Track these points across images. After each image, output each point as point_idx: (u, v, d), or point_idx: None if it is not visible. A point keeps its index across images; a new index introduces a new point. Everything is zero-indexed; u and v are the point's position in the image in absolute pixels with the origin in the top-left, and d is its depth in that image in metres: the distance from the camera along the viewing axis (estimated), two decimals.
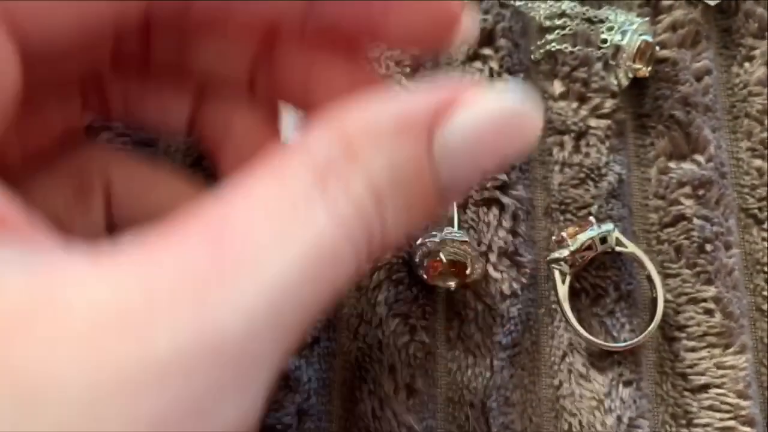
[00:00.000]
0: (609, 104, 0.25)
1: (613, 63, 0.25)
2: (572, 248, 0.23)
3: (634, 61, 0.25)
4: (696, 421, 0.22)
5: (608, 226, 0.23)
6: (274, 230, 0.13)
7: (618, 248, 0.23)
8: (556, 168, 0.25)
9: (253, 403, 0.12)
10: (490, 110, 0.15)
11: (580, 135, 0.25)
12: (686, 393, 0.23)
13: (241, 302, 0.12)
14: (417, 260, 0.23)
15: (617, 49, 0.25)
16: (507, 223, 0.24)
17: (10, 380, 0.11)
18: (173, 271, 0.12)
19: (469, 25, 0.18)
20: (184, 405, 0.11)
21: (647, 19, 0.26)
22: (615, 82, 0.25)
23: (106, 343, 0.11)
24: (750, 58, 0.26)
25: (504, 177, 0.24)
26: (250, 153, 0.17)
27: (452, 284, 0.23)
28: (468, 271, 0.23)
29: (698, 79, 0.26)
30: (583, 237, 0.23)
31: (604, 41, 0.26)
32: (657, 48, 0.26)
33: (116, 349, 0.11)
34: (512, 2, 0.26)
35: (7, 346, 0.11)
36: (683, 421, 0.22)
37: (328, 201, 0.13)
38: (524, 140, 0.15)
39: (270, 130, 0.20)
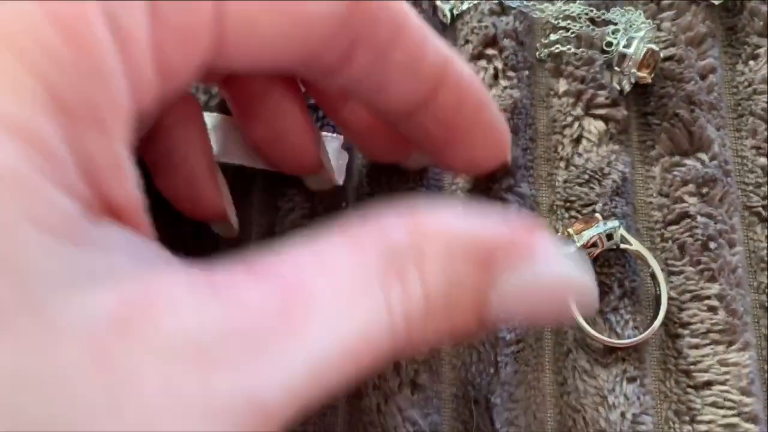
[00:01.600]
0: (613, 103, 0.25)
1: (618, 69, 0.25)
2: (578, 244, 0.23)
3: (638, 70, 0.25)
4: (699, 417, 0.22)
5: (614, 222, 0.23)
6: (342, 303, 0.13)
7: (623, 245, 0.23)
8: (561, 165, 0.25)
9: None
10: (553, 274, 0.16)
11: (585, 133, 0.25)
12: (690, 390, 0.23)
13: (295, 362, 0.12)
14: None
15: (623, 56, 0.25)
16: None
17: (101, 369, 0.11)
18: (250, 315, 0.12)
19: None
20: None
21: (653, 25, 0.26)
22: (618, 88, 0.25)
23: (175, 372, 0.12)
24: (755, 57, 0.26)
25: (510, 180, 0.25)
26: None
27: None
28: None
29: (703, 77, 0.26)
30: (589, 233, 0.23)
31: (609, 44, 0.26)
32: (661, 55, 0.26)
33: (183, 379, 0.12)
34: (515, 5, 0.27)
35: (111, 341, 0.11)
36: (686, 418, 0.22)
37: (387, 291, 0.14)
38: (579, 305, 0.17)
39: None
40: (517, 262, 0.15)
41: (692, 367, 0.23)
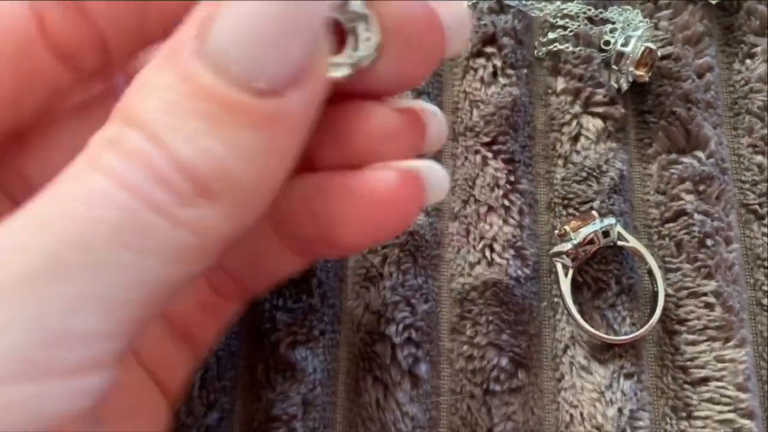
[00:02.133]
0: (611, 101, 0.26)
1: (615, 68, 0.25)
2: (575, 242, 0.23)
3: (636, 68, 0.25)
4: (696, 413, 0.22)
5: (611, 220, 0.23)
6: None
7: (620, 242, 0.23)
8: (559, 163, 0.25)
9: None
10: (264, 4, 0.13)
11: (583, 131, 0.25)
12: (686, 386, 0.23)
13: None
14: None
15: (620, 55, 0.25)
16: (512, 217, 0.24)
17: None
18: None
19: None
20: None
21: (651, 24, 0.26)
22: (615, 86, 0.26)
23: None
24: (751, 56, 0.26)
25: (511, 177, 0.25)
26: None
27: None
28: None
29: (700, 75, 0.26)
30: (586, 231, 0.23)
31: (607, 43, 0.26)
32: (659, 54, 0.26)
33: None
34: (513, 3, 0.27)
35: None
36: (683, 414, 0.23)
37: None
38: (308, 35, 0.14)
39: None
40: (213, 18, 0.13)
41: (689, 363, 0.23)
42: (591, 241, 0.23)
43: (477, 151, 0.25)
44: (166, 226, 0.13)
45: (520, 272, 0.24)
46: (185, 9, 0.15)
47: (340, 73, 0.16)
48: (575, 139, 0.25)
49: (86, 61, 0.17)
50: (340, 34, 0.16)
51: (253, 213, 0.14)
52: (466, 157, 0.25)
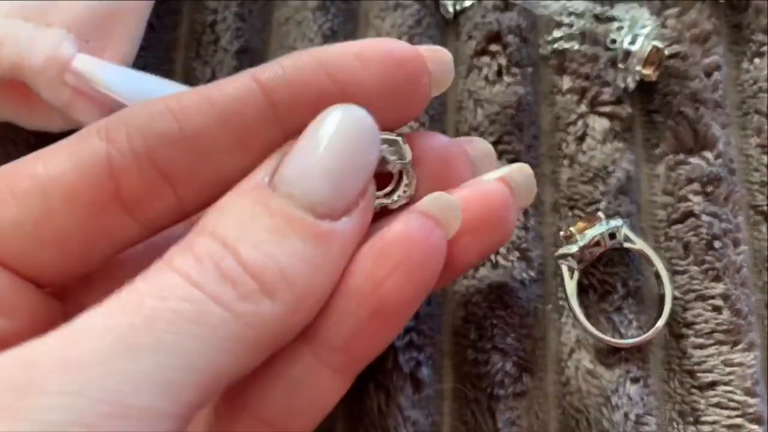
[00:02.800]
0: (617, 101, 0.25)
1: (622, 67, 0.25)
2: (581, 244, 0.23)
3: (643, 67, 0.25)
4: (703, 418, 0.22)
5: (617, 221, 0.23)
6: None
7: (626, 244, 0.23)
8: (565, 163, 0.25)
9: None
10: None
11: (589, 131, 0.25)
12: (694, 390, 0.22)
13: None
14: None
15: (627, 53, 0.25)
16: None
17: None
18: None
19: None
20: None
21: (659, 22, 0.26)
22: (622, 85, 0.25)
23: None
24: (760, 54, 0.26)
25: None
26: None
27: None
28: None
29: (708, 75, 0.25)
30: (592, 232, 0.23)
31: (614, 41, 0.26)
32: (666, 53, 0.25)
33: None
34: (518, 1, 0.26)
35: None
36: (690, 419, 0.22)
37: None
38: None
39: None
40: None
41: (696, 367, 0.23)
42: (597, 243, 0.23)
43: None
44: (229, 318, 0.15)
45: (525, 275, 0.23)
46: (254, 165, 0.17)
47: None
48: (581, 139, 0.25)
49: (158, 214, 0.18)
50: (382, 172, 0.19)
51: (303, 317, 0.16)
52: None
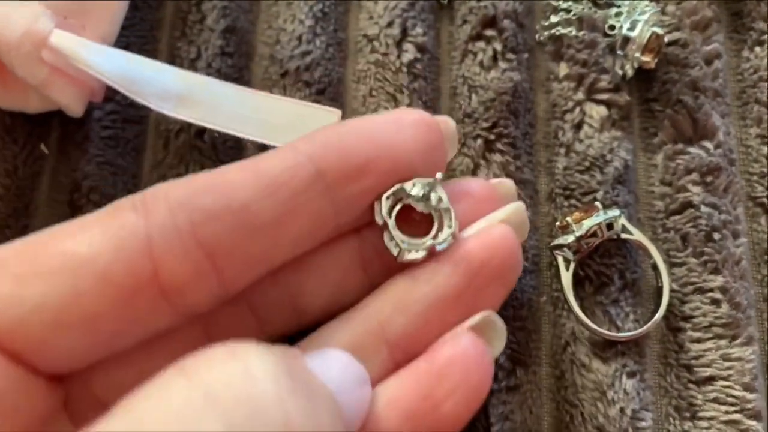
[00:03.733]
0: (615, 88, 0.24)
1: (621, 53, 0.24)
2: (577, 234, 0.22)
3: (642, 54, 0.24)
4: (700, 414, 0.22)
5: (615, 211, 0.22)
6: None
7: (624, 235, 0.22)
8: (561, 152, 0.24)
9: None
10: None
11: (586, 118, 0.24)
12: (691, 385, 0.22)
13: None
14: None
15: (626, 40, 0.24)
16: None
17: None
18: None
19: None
20: None
21: (658, 8, 0.25)
22: (620, 72, 0.24)
23: None
24: (760, 43, 0.26)
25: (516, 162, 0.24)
26: None
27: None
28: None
29: (708, 63, 0.25)
30: (589, 223, 0.22)
31: (612, 27, 0.25)
32: (666, 40, 0.25)
33: None
34: None
35: None
36: (687, 414, 0.22)
37: None
38: None
39: None
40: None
41: (694, 361, 0.22)
42: (594, 234, 0.22)
43: (477, 136, 0.24)
44: None
45: None
46: (301, 239, 0.17)
47: (419, 255, 0.19)
48: (578, 127, 0.24)
49: (197, 300, 0.17)
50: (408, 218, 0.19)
51: None
52: (464, 144, 0.24)
